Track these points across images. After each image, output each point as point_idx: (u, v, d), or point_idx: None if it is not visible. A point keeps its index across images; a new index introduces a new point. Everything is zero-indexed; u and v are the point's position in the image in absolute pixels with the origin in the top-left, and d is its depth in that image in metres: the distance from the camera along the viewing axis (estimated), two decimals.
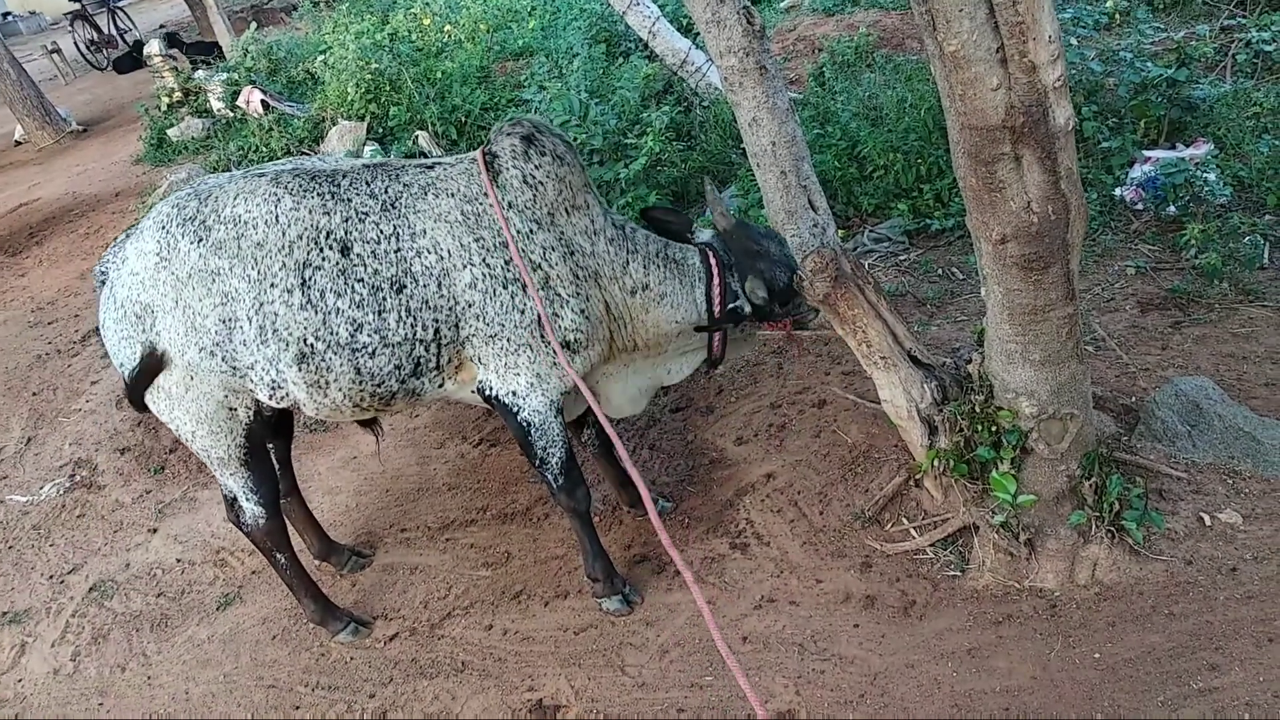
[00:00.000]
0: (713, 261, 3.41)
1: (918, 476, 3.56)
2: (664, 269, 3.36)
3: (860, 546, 3.56)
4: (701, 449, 4.30)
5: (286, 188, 3.09)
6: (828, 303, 3.27)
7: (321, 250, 3.05)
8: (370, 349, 3.09)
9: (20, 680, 3.96)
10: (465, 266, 3.10)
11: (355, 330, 3.07)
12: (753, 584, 3.55)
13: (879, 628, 3.25)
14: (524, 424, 3.29)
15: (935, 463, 3.35)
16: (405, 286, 3.08)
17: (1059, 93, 2.56)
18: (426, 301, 3.10)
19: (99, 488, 5.08)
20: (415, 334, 3.11)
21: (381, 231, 3.08)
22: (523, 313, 3.13)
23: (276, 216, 3.05)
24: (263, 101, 9.66)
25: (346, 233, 3.07)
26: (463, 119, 8.07)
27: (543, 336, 3.15)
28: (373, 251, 3.07)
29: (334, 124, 8.67)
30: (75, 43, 17.85)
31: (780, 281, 3.39)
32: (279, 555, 3.62)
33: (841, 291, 3.23)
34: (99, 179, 10.42)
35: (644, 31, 7.39)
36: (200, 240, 3.07)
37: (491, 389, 3.26)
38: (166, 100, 10.86)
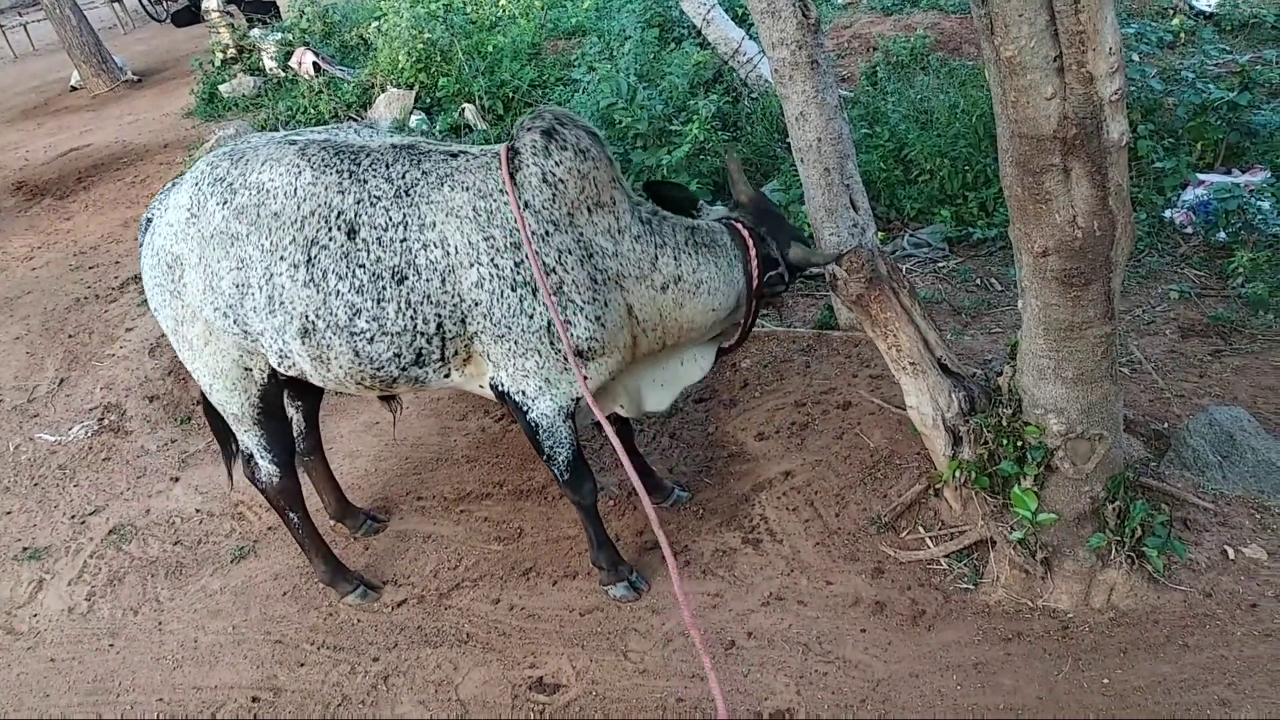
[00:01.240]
0: (744, 233, 3.27)
1: (938, 486, 3.51)
2: (696, 256, 3.18)
3: (874, 551, 3.53)
4: (722, 441, 4.28)
5: (310, 160, 3.05)
6: (860, 304, 3.23)
7: (330, 230, 3.01)
8: (368, 335, 3.05)
9: (35, 615, 4.03)
10: (472, 265, 3.00)
11: (354, 314, 3.03)
12: (762, 580, 3.53)
13: (886, 634, 3.22)
14: (532, 424, 3.26)
15: (957, 473, 3.31)
16: (407, 278, 3.00)
17: (1115, 106, 2.50)
18: (429, 296, 3.02)
19: (126, 433, 5.16)
20: (415, 326, 3.05)
21: (390, 219, 3.01)
22: (531, 317, 3.03)
23: (295, 189, 3.03)
24: (314, 64, 9.72)
25: (356, 215, 3.00)
26: (510, 94, 8.07)
27: (553, 343, 3.05)
28: (378, 239, 3.00)
29: (383, 90, 8.70)
30: None
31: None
32: (292, 514, 3.66)
33: (875, 293, 3.18)
34: (149, 129, 10.55)
35: (699, 18, 7.34)
36: (225, 203, 3.07)
37: (503, 386, 3.21)
38: (220, 56, 10.96)
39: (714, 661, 3.23)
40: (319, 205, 3.02)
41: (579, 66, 7.82)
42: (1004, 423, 3.16)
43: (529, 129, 3.07)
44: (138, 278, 6.81)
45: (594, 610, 3.55)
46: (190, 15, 16.34)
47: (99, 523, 4.51)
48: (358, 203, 3.02)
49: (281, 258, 3.03)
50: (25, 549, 4.41)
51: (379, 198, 3.02)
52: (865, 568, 3.47)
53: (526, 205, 3.00)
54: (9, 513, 4.69)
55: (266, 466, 3.54)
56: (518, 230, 2.98)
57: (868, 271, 3.16)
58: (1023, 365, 3.10)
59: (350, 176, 3.04)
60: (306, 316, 3.05)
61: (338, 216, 3.01)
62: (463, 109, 8.03)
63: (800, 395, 4.42)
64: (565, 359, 3.08)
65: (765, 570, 3.57)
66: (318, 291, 3.02)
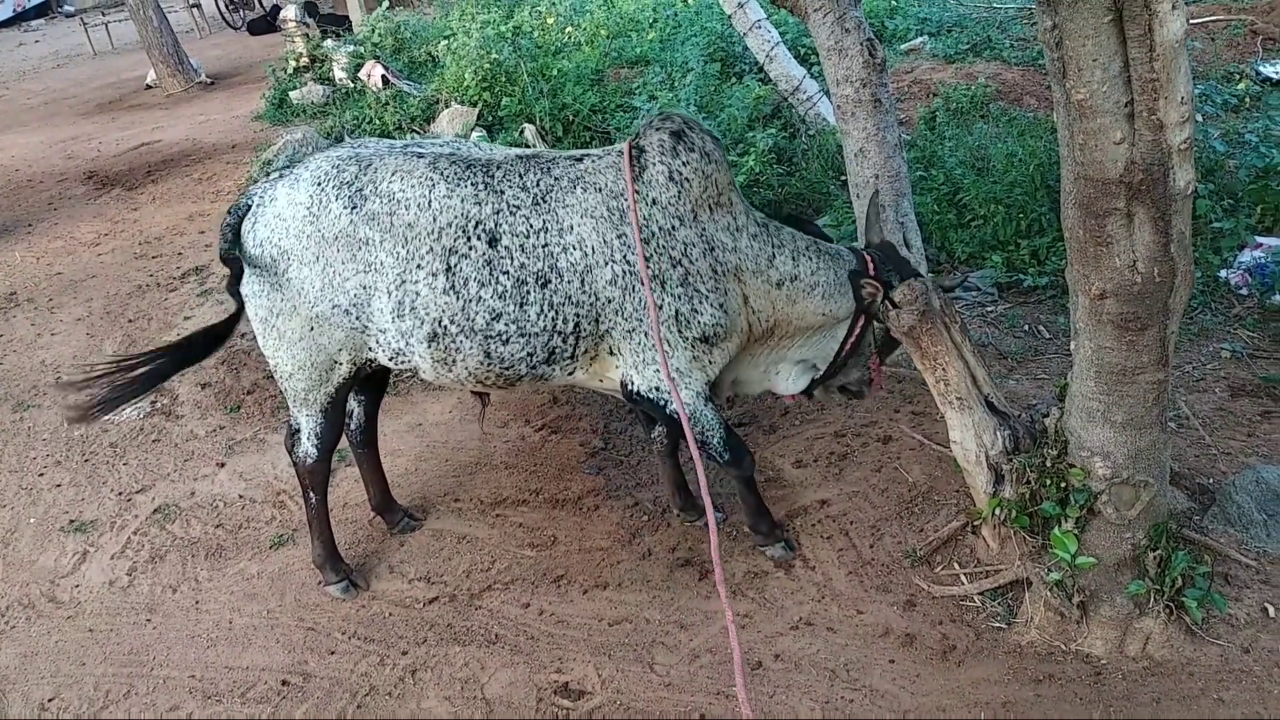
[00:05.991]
0: (866, 256, 3.50)
1: (976, 523, 3.51)
2: (817, 260, 3.42)
3: (906, 584, 3.52)
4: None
5: (443, 174, 3.20)
6: (912, 335, 3.25)
7: (469, 240, 3.16)
8: (505, 337, 3.20)
9: (77, 586, 4.12)
10: (607, 263, 3.18)
11: (493, 319, 3.18)
12: (792, 604, 3.53)
13: (915, 667, 3.20)
14: (674, 416, 3.33)
15: (996, 511, 3.30)
16: (550, 281, 3.17)
17: (1183, 155, 2.53)
18: (569, 296, 3.18)
19: (177, 417, 5.28)
20: (555, 326, 3.21)
21: (531, 226, 3.17)
22: (660, 308, 3.18)
23: (430, 201, 3.17)
24: (383, 77, 9.97)
25: (496, 225, 3.17)
26: (571, 117, 8.22)
27: (681, 331, 3.22)
28: (521, 245, 3.16)
29: (446, 106, 8.90)
30: (216, 1, 18.65)
31: None
32: (313, 494, 3.78)
33: (927, 326, 3.21)
34: (219, 129, 10.87)
35: (761, 55, 7.45)
36: (354, 207, 3.19)
37: (633, 384, 3.34)
38: (293, 64, 11.30)
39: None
40: (456, 216, 3.16)
41: (640, 95, 7.94)
42: (1048, 463, 3.15)
43: (657, 129, 3.26)
44: (199, 269, 7.01)
45: (622, 621, 3.57)
46: (265, 24, 16.83)
47: (145, 501, 4.62)
48: (496, 212, 3.17)
49: (419, 266, 3.16)
50: (72, 521, 4.52)
51: (518, 206, 3.18)
52: (897, 600, 3.47)
53: (654, 202, 3.19)
54: (59, 486, 4.81)
55: (308, 447, 3.65)
56: (647, 225, 3.16)
57: (921, 304, 3.19)
58: (1071, 407, 3.10)
59: (486, 188, 3.19)
60: (439, 322, 3.19)
61: (476, 226, 3.16)
62: (523, 129, 8.19)
63: (840, 426, 4.43)
64: (692, 346, 3.26)
65: (796, 595, 3.57)
66: (457, 298, 3.16)
